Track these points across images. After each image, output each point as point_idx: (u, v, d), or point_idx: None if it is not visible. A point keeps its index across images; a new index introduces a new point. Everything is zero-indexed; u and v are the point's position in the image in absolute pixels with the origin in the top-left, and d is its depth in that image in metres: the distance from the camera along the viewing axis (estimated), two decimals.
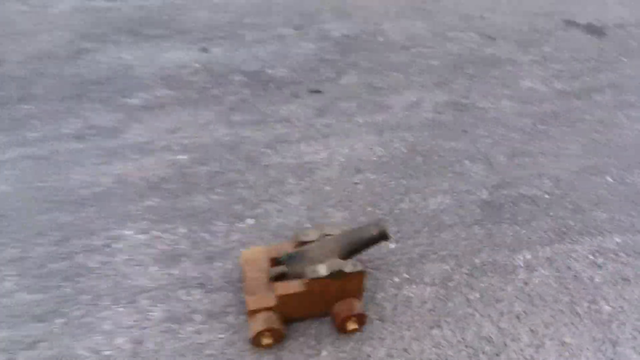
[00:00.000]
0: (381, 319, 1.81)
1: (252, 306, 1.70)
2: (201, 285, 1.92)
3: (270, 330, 1.67)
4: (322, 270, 1.67)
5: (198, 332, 1.77)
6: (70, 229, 2.11)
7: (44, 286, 1.89)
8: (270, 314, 1.70)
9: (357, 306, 1.73)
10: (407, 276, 1.95)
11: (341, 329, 1.75)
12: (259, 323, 1.68)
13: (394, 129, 2.65)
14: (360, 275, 1.70)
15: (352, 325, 1.73)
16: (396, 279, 1.94)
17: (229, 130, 2.64)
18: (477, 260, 2.01)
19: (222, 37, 3.42)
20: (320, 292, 1.70)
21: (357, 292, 1.76)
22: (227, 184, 2.33)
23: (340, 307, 1.74)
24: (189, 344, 1.73)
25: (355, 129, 2.66)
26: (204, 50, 3.23)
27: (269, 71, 3.08)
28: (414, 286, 1.91)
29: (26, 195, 2.25)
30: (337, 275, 1.66)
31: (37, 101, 2.77)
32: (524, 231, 2.13)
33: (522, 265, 1.99)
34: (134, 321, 1.80)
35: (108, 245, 2.05)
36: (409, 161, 2.46)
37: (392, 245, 2.07)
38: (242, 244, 2.06)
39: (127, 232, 2.11)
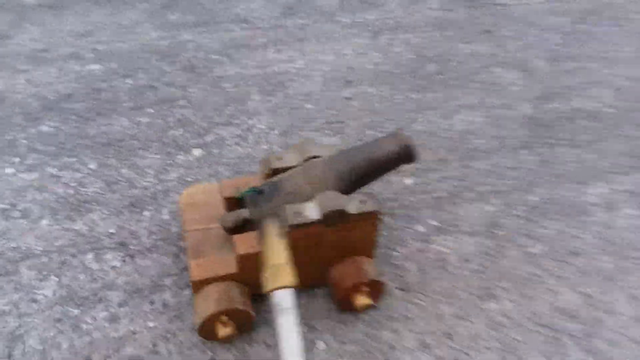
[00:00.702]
0: (404, 289, 1.17)
1: (199, 274, 1.03)
2: (120, 246, 1.22)
3: (229, 313, 1.01)
4: (311, 210, 1.00)
5: (114, 320, 1.09)
6: None
7: None
8: (229, 285, 1.04)
9: (369, 269, 1.08)
10: (435, 223, 1.31)
11: (346, 306, 1.10)
12: (210, 302, 1.01)
13: (393, 30, 1.96)
14: (372, 218, 1.04)
15: (362, 300, 1.08)
16: (420, 228, 1.29)
17: (164, 32, 1.89)
18: (532, 198, 1.38)
19: None
20: (309, 247, 1.04)
21: (368, 247, 1.11)
22: (162, 102, 1.61)
23: (343, 272, 1.08)
24: (98, 339, 1.05)
25: (339, 31, 1.95)
26: None
27: None
28: (448, 237, 1.27)
29: None
30: (336, 218, 1.00)
31: None
32: (590, 156, 1.52)
33: (598, 202, 1.38)
34: (10, 305, 1.10)
35: None
36: (419, 69, 1.79)
37: (407, 181, 1.41)
38: (185, 183, 1.37)
39: (6, 171, 1.38)
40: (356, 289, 1.07)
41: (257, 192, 1.05)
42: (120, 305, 1.12)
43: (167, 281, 1.17)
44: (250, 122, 1.56)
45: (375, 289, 1.09)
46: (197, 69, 1.74)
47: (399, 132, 1.03)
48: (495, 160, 1.48)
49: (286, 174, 1.07)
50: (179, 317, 1.10)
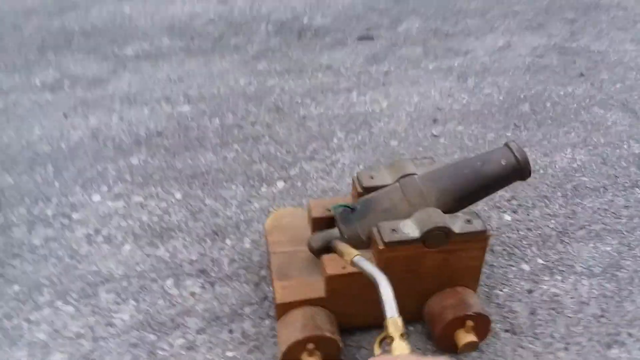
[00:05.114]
0: (513, 331, 1.02)
1: (284, 297, 0.94)
2: (201, 273, 1.17)
3: (316, 341, 0.91)
4: (410, 228, 0.90)
5: (191, 347, 1.01)
6: (12, 193, 1.41)
7: None
8: (316, 311, 0.94)
9: (474, 301, 0.96)
10: (542, 262, 1.16)
11: (445, 344, 0.97)
12: (295, 328, 0.92)
13: (480, 74, 1.91)
14: (479, 240, 0.93)
15: (465, 337, 0.94)
16: (525, 267, 1.15)
17: (252, 79, 1.94)
18: None
19: None
20: (405, 272, 0.94)
21: (472, 276, 0.99)
22: (248, 139, 1.61)
23: (444, 303, 0.96)
24: None
25: (425, 76, 1.92)
26: (223, 2, 2.59)
27: (304, 20, 2.39)
28: (559, 278, 1.12)
29: None
30: (437, 237, 0.90)
31: (5, 53, 2.13)
32: None
33: None
34: (86, 327, 1.06)
35: (63, 215, 1.33)
36: (511, 109, 1.70)
37: (507, 217, 1.29)
38: (268, 213, 1.32)
39: (94, 198, 1.39)
40: (459, 324, 0.94)
41: (350, 208, 0.98)
42: (198, 332, 1.05)
43: (247, 310, 1.09)
44: (334, 157, 1.52)
45: (481, 325, 0.95)
46: (281, 110, 1.75)
47: (512, 143, 0.93)
48: (607, 198, 1.32)
49: (381, 191, 1.00)
50: (258, 347, 1.01)
